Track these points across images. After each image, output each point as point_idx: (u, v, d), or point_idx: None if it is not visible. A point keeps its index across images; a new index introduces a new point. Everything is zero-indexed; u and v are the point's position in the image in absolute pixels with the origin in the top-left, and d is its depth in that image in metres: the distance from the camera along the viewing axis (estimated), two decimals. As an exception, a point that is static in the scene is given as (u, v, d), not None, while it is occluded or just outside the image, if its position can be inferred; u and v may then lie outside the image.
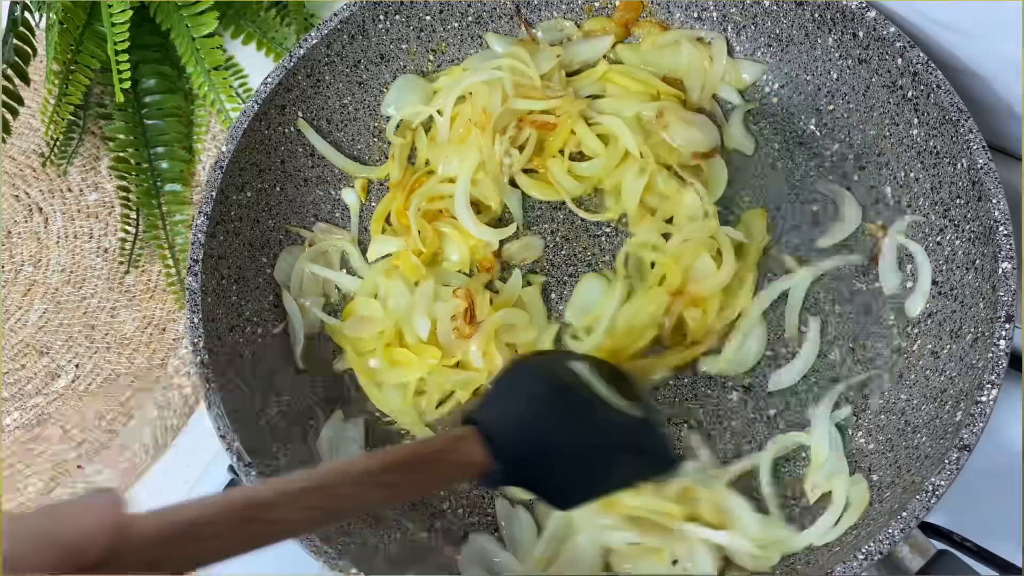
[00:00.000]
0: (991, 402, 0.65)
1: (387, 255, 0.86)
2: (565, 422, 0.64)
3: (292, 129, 0.86)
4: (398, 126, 0.91)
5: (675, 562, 0.71)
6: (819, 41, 0.84)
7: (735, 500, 0.72)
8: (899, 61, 0.77)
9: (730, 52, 0.90)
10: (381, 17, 0.88)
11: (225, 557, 0.44)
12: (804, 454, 0.76)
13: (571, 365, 0.70)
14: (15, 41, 0.92)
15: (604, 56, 0.92)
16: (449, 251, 0.85)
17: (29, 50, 0.93)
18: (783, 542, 0.71)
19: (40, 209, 1.01)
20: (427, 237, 0.84)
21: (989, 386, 0.65)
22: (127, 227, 0.96)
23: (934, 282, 0.77)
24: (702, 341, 0.79)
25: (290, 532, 0.47)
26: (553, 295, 0.84)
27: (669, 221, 0.83)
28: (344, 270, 0.87)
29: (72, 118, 1.00)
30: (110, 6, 0.92)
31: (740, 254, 0.81)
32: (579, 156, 0.87)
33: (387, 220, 0.87)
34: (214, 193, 0.79)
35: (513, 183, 0.87)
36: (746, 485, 0.75)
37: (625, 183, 0.84)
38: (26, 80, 0.93)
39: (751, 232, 0.83)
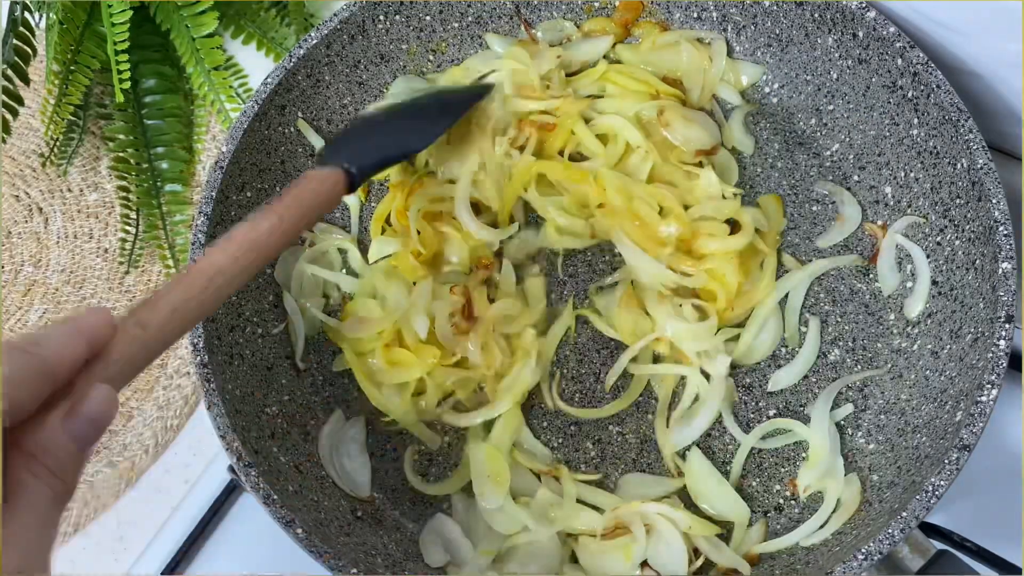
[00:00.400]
0: (991, 402, 0.65)
1: (387, 256, 0.86)
2: (382, 119, 0.84)
3: (292, 129, 0.86)
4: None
5: (644, 562, 0.72)
6: (819, 41, 0.84)
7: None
8: (899, 61, 0.77)
9: (730, 52, 0.90)
10: (381, 17, 0.88)
11: (192, 309, 0.55)
12: (804, 453, 0.76)
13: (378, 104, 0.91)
14: (15, 41, 0.92)
15: (604, 56, 0.92)
16: (449, 252, 0.85)
17: (29, 50, 0.93)
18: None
19: (40, 209, 1.01)
20: (427, 238, 0.84)
21: (989, 386, 0.65)
22: (127, 227, 0.96)
23: (934, 282, 0.77)
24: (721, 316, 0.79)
25: (220, 271, 0.58)
26: (553, 295, 0.84)
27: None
28: (344, 270, 0.87)
29: (72, 118, 1.00)
30: (110, 6, 0.92)
31: (759, 238, 0.81)
32: (579, 157, 0.87)
33: (387, 221, 0.87)
34: (214, 193, 0.79)
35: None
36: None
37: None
38: (26, 80, 0.93)
39: (767, 216, 0.83)
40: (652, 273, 0.79)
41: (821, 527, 0.71)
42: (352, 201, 0.89)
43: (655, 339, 0.79)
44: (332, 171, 0.72)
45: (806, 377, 0.78)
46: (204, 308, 0.56)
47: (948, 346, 0.73)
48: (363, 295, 0.84)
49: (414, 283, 0.83)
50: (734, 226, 0.81)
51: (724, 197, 0.82)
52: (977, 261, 0.72)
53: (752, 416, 0.78)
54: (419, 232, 0.83)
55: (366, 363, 0.81)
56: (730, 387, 0.78)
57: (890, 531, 0.63)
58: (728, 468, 0.76)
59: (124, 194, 0.96)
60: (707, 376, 0.78)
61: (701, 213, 0.81)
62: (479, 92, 0.88)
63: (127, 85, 0.91)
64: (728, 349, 0.79)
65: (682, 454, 0.76)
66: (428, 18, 0.90)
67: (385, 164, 0.81)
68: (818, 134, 0.87)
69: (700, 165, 0.85)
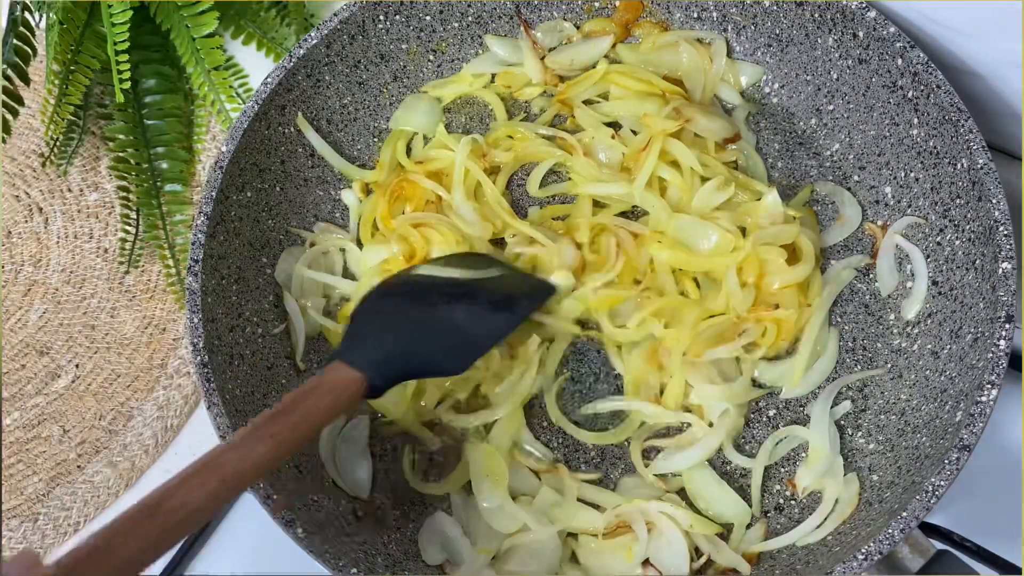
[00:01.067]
0: (991, 402, 0.65)
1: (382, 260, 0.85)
2: (422, 311, 0.72)
3: (292, 129, 0.86)
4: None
5: (646, 560, 0.72)
6: (819, 41, 0.84)
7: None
8: (899, 61, 0.77)
9: (730, 53, 0.90)
10: (381, 17, 0.88)
11: (147, 558, 0.47)
12: (804, 453, 0.76)
13: (418, 272, 0.78)
14: (15, 41, 0.92)
15: (604, 56, 0.92)
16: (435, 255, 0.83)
17: (29, 50, 0.93)
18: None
19: (40, 209, 1.01)
20: (415, 243, 0.83)
21: (989, 386, 0.65)
22: (127, 227, 0.96)
23: (934, 282, 0.77)
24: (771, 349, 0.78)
25: (194, 512, 0.50)
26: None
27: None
28: (344, 270, 0.87)
29: (72, 118, 1.00)
30: (110, 6, 0.92)
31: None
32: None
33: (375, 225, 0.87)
34: (214, 193, 0.79)
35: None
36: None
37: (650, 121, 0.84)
38: (26, 80, 0.93)
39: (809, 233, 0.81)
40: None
41: (819, 526, 0.71)
42: (352, 201, 0.89)
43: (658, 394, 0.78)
44: (351, 380, 0.63)
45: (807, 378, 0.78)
46: (160, 553, 0.48)
47: (948, 346, 0.73)
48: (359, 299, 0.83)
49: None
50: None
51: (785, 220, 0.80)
52: (977, 261, 0.72)
53: (752, 416, 0.78)
54: (406, 238, 0.83)
55: None
56: (736, 423, 0.76)
57: (890, 531, 0.63)
58: (727, 469, 0.76)
59: (124, 194, 0.96)
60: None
61: (762, 240, 0.78)
62: (540, 293, 0.78)
63: (127, 85, 0.91)
64: (769, 377, 0.78)
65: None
66: (428, 18, 0.90)
67: (415, 377, 0.74)
68: (818, 134, 0.87)
69: (735, 165, 0.85)
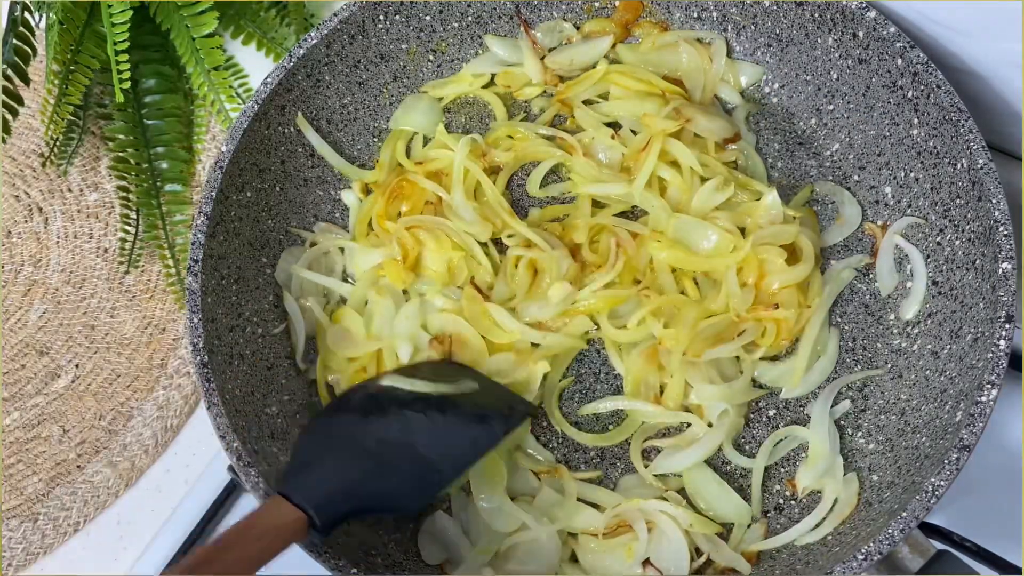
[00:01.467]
0: (991, 402, 0.65)
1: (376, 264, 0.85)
2: (380, 434, 0.66)
3: (292, 129, 0.86)
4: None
5: (646, 560, 0.72)
6: (819, 41, 0.84)
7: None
8: (899, 61, 0.77)
9: (729, 53, 0.90)
10: (381, 17, 0.88)
11: None
12: (804, 453, 0.76)
13: (380, 384, 0.72)
14: (15, 41, 0.92)
15: (604, 56, 0.92)
16: (429, 260, 0.83)
17: (29, 50, 0.93)
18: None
19: (40, 209, 1.01)
20: (407, 244, 0.82)
21: (989, 386, 0.65)
22: (127, 227, 0.96)
23: (934, 282, 0.77)
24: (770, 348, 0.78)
25: None
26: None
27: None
28: (345, 270, 0.87)
29: (72, 118, 1.00)
30: (110, 6, 0.92)
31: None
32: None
33: (370, 224, 0.87)
34: (214, 193, 0.78)
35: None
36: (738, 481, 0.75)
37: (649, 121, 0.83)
38: (26, 80, 0.93)
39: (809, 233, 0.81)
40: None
41: (817, 526, 0.71)
42: (352, 201, 0.89)
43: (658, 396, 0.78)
44: (288, 522, 0.58)
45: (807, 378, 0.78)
46: None
47: (948, 346, 0.73)
48: (352, 306, 0.83)
49: (404, 291, 0.83)
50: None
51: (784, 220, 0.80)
52: (977, 261, 0.72)
53: (752, 416, 0.78)
54: (399, 240, 0.82)
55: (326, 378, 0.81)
56: (736, 423, 0.77)
57: (890, 531, 0.63)
58: (727, 469, 0.76)
59: (124, 194, 0.96)
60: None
61: (761, 240, 0.78)
62: (517, 413, 0.73)
63: (127, 85, 0.91)
64: (769, 377, 0.78)
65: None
66: (428, 18, 0.90)
67: (365, 515, 0.66)
68: (818, 134, 0.87)
69: (735, 165, 0.85)
